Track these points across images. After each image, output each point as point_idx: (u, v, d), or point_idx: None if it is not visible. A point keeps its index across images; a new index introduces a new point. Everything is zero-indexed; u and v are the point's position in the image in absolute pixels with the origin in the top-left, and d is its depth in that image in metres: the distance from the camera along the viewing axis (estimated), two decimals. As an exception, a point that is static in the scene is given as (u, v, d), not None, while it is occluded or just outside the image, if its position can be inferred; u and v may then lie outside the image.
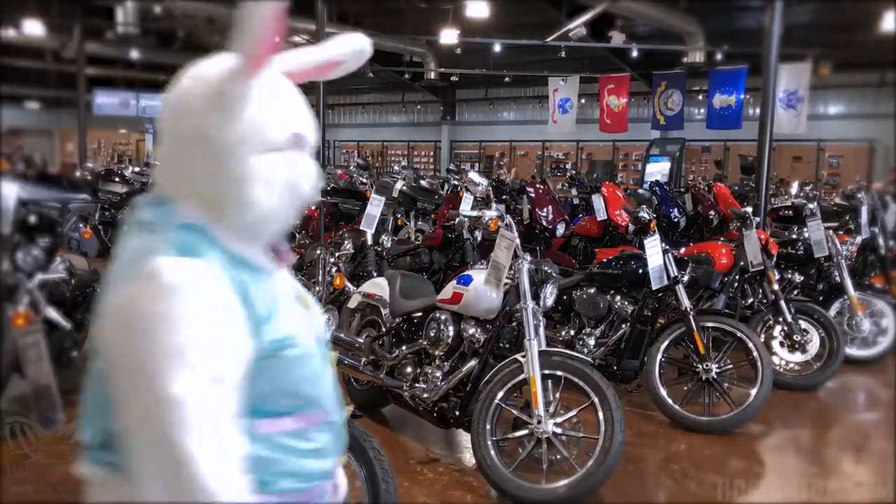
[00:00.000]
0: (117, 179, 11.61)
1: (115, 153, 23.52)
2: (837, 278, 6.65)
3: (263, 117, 1.30)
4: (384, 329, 4.84)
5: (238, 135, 1.28)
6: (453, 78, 21.93)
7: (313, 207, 10.10)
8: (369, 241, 6.76)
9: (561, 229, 8.64)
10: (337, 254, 5.59)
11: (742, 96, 15.81)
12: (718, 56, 16.31)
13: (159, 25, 17.51)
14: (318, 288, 3.11)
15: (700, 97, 19.11)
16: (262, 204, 1.31)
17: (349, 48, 1.56)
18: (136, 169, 13.28)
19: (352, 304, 5.29)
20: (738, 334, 5.09)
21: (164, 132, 1.35)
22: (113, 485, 1.28)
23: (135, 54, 18.86)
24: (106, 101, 19.68)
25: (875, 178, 16.26)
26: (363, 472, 2.84)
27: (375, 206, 6.64)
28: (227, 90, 1.28)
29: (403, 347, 4.64)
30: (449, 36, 16.07)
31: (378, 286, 5.02)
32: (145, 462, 1.16)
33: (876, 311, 6.70)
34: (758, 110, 8.34)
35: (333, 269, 3.41)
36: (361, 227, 6.73)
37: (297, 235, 10.01)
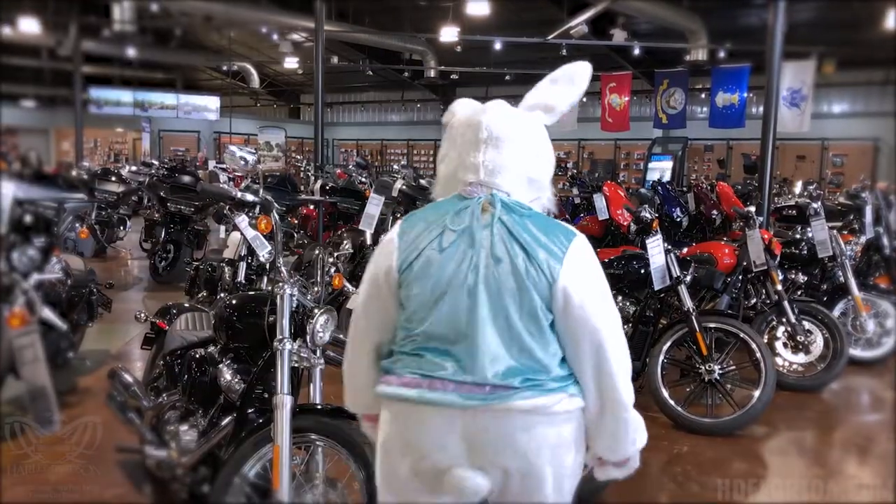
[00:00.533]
0: (114, 179, 11.60)
1: (112, 152, 23.52)
2: (841, 279, 6.65)
3: None
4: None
5: None
6: (453, 76, 21.96)
7: (312, 207, 10.12)
8: (368, 241, 6.75)
9: (562, 229, 8.63)
10: (336, 254, 5.58)
11: (745, 94, 15.83)
12: (721, 54, 16.33)
13: (156, 23, 17.52)
14: (316, 288, 3.11)
15: (703, 95, 19.14)
16: None
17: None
18: (133, 168, 13.26)
19: (351, 304, 5.28)
20: (741, 335, 5.08)
21: None
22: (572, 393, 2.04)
23: (132, 52, 18.86)
24: (103, 98, 19.68)
25: (879, 177, 16.25)
26: (362, 474, 2.83)
27: (374, 206, 6.64)
28: None
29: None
30: (449, 33, 16.09)
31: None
32: (623, 363, 2.05)
33: (880, 312, 6.69)
34: (761, 109, 8.34)
35: (332, 270, 3.39)
36: (360, 227, 6.72)
37: (296, 235, 10.01)
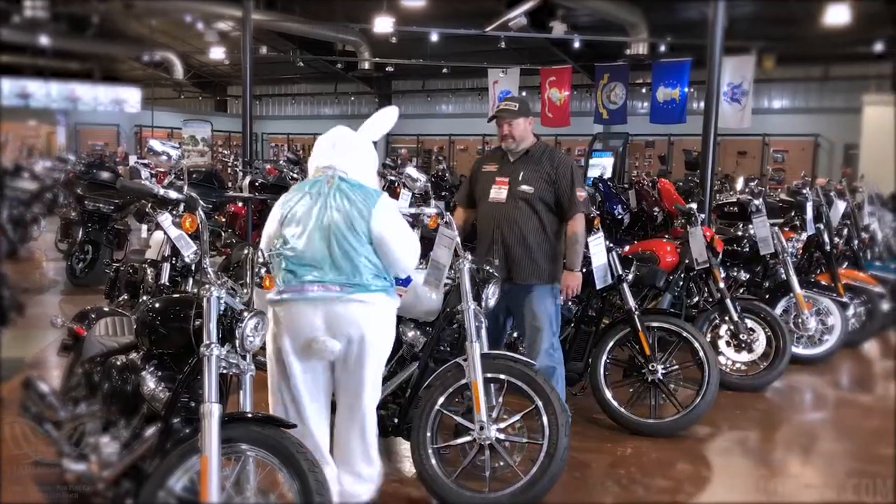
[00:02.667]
0: (26, 175, 11.26)
1: (25, 147, 22.86)
2: (783, 276, 6.82)
3: None
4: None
5: None
6: (388, 68, 21.91)
7: (240, 204, 9.97)
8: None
9: (502, 227, 8.66)
10: (267, 253, 5.51)
11: (686, 89, 16.13)
12: (662, 48, 16.59)
13: (71, 10, 17.06)
14: (245, 290, 3.05)
15: (643, 90, 19.43)
16: None
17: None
18: (48, 164, 12.88)
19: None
20: (684, 334, 5.17)
21: None
22: (390, 295, 3.68)
23: (45, 41, 18.33)
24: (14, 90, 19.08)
25: (819, 173, 16.74)
26: (296, 484, 2.80)
27: (307, 203, 6.57)
28: None
29: (338, 352, 4.61)
30: (383, 24, 16.02)
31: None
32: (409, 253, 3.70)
33: (822, 310, 6.88)
34: (702, 104, 8.49)
35: (262, 271, 3.33)
36: (292, 226, 6.64)
37: (223, 234, 9.87)
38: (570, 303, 5.45)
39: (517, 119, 4.77)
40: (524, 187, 4.73)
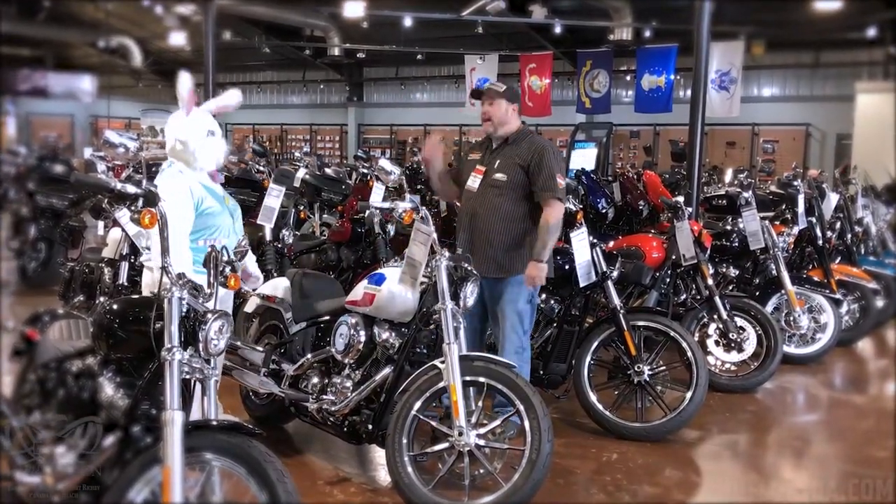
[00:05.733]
0: (-27, 170, 11.13)
1: (-29, 139, 22.59)
2: (774, 272, 6.87)
3: None
4: (286, 336, 4.77)
5: None
6: (360, 55, 21.80)
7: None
8: (268, 237, 6.67)
9: (481, 222, 8.67)
10: (231, 251, 5.48)
11: (672, 77, 16.18)
12: (647, 33, 16.64)
13: (21, -8, 16.86)
14: (209, 290, 3.02)
15: (628, 78, 19.49)
16: None
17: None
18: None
19: (249, 307, 5.20)
20: (671, 333, 5.20)
21: None
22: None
23: (-8, 25, 18.12)
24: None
25: (811, 165, 16.89)
26: (264, 495, 2.79)
27: (275, 198, 6.55)
28: None
29: (308, 356, 4.59)
30: (354, 8, 15.95)
31: (278, 287, 4.96)
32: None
33: (814, 307, 6.94)
34: (689, 92, 8.56)
35: (227, 269, 3.31)
36: (259, 222, 6.63)
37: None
38: (552, 301, 5.47)
39: (499, 100, 4.81)
40: (497, 175, 4.79)
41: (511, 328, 4.76)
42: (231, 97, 4.37)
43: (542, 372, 5.37)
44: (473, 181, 4.89)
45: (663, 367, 5.26)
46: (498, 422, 3.95)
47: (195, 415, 3.12)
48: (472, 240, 4.79)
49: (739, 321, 6.20)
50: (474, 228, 4.81)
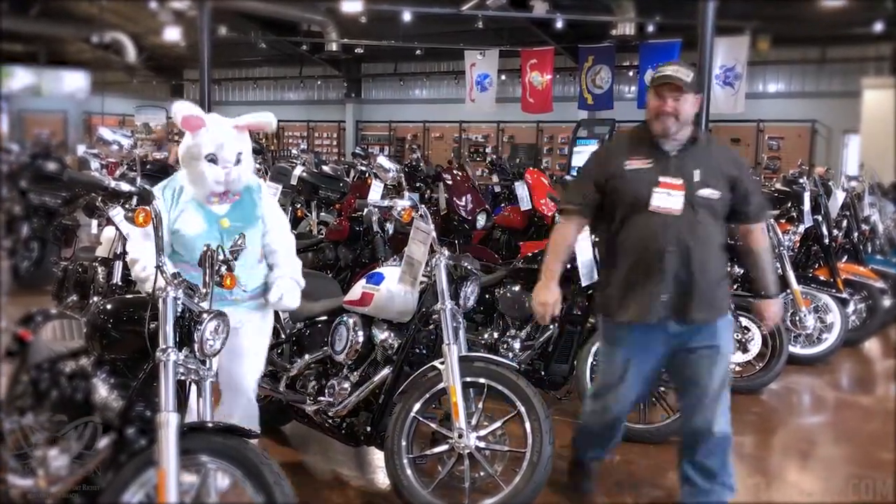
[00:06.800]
0: (-35, 167, 11.14)
1: (-38, 137, 22.59)
2: (779, 271, 6.86)
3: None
4: (283, 336, 4.77)
5: None
6: (358, 50, 21.82)
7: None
8: (265, 236, 6.66)
9: (482, 220, 8.69)
10: (227, 250, 5.48)
11: (676, 72, 16.14)
12: (650, 28, 16.64)
13: (14, -13, 16.87)
14: (204, 290, 3.02)
15: (631, 73, 19.49)
16: None
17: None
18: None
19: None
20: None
21: None
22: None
23: (-16, 20, 18.12)
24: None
25: (817, 162, 16.88)
26: (260, 497, 2.79)
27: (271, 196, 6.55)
28: None
29: (306, 356, 4.59)
30: (352, 3, 15.96)
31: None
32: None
33: (820, 306, 6.95)
34: (693, 88, 8.53)
35: (223, 269, 3.30)
36: (255, 220, 6.62)
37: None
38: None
39: (687, 95, 3.69)
40: (706, 192, 3.68)
41: (722, 382, 3.89)
42: (263, 117, 4.05)
43: (543, 373, 5.37)
44: (668, 198, 3.67)
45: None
46: (498, 423, 3.95)
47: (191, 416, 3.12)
48: (685, 275, 3.69)
49: (744, 321, 6.19)
50: (688, 261, 3.68)
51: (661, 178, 3.66)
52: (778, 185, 8.97)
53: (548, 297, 3.98)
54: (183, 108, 3.73)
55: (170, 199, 3.83)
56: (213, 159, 3.75)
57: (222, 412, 3.88)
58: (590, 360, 5.22)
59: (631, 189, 3.70)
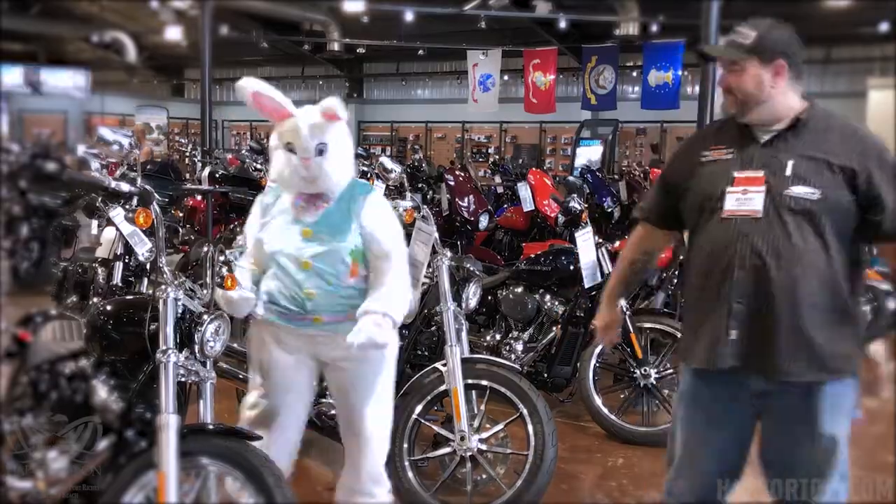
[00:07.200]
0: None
1: (-38, 136, 22.61)
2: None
3: None
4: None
5: None
6: (360, 50, 21.84)
7: (199, 198, 9.92)
8: (266, 237, 6.65)
9: (484, 221, 8.69)
10: (228, 251, 5.48)
11: (680, 73, 16.14)
12: (654, 28, 16.63)
13: (14, -14, 16.89)
14: (205, 291, 3.02)
15: (634, 74, 19.47)
16: None
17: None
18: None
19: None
20: (679, 335, 5.18)
21: None
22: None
23: (-16, 19, 18.14)
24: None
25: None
26: (261, 500, 2.79)
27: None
28: None
29: (307, 357, 4.58)
30: (354, 3, 15.97)
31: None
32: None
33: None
34: (697, 88, 8.54)
35: (224, 270, 3.30)
36: (256, 221, 6.61)
37: (181, 230, 9.80)
38: (556, 302, 5.47)
39: (747, 62, 2.76)
40: (799, 189, 2.62)
41: (835, 462, 2.81)
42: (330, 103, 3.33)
43: (545, 375, 5.37)
44: (743, 198, 2.70)
45: (670, 370, 5.24)
46: (501, 426, 3.95)
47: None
48: (751, 310, 2.66)
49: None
50: (762, 291, 2.65)
51: (737, 173, 2.70)
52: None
53: (597, 320, 3.38)
54: (249, 85, 3.46)
55: (258, 212, 3.48)
56: (291, 148, 3.27)
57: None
58: (593, 362, 5.23)
59: (700, 187, 2.80)
